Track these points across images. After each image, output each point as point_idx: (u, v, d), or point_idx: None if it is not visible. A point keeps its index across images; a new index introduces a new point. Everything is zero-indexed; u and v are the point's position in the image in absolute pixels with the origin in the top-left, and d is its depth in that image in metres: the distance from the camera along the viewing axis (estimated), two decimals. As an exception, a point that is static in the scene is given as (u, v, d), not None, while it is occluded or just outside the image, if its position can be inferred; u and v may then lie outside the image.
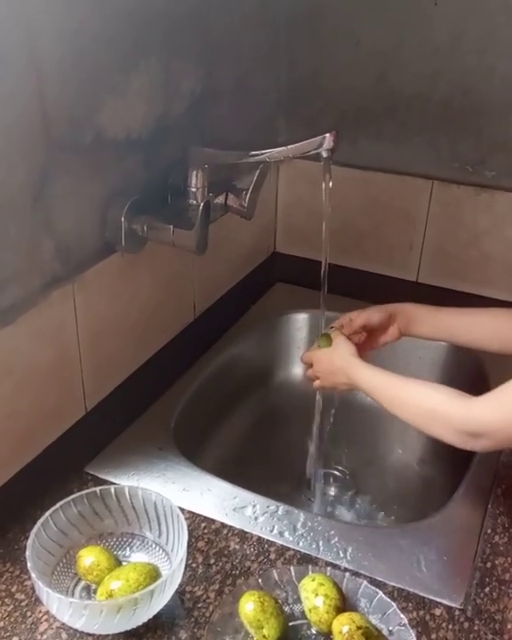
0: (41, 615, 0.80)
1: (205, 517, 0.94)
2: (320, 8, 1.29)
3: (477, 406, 0.82)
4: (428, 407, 0.87)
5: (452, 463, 1.22)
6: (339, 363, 1.03)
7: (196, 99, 1.11)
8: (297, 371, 1.44)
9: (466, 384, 1.30)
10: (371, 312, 1.10)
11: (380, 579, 0.85)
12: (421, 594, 0.84)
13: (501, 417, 0.80)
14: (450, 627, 0.80)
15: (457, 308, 1.08)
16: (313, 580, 0.81)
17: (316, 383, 1.10)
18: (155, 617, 0.79)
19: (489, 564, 0.88)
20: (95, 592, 0.81)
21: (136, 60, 0.96)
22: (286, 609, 0.82)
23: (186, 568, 0.84)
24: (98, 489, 0.88)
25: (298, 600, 0.82)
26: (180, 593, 0.83)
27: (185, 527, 0.82)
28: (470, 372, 1.28)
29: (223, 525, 0.93)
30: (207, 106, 1.15)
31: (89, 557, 0.82)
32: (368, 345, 1.12)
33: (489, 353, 1.07)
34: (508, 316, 1.02)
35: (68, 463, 1.00)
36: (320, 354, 1.08)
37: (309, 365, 1.10)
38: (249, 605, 0.77)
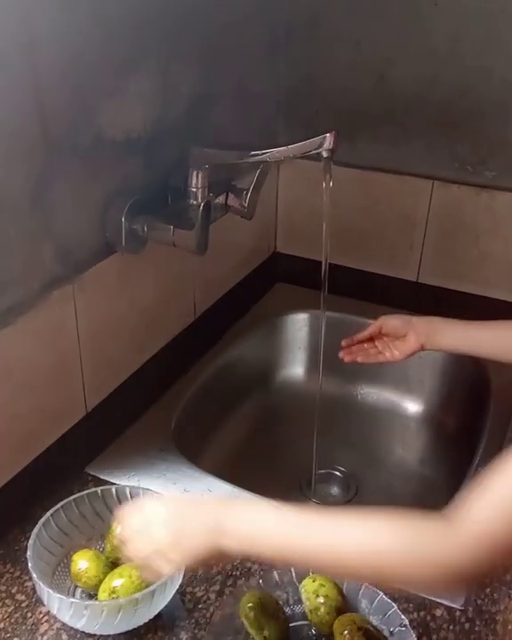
0: (42, 616, 0.80)
1: (206, 518, 0.94)
2: (319, 9, 1.29)
3: (465, 530, 0.59)
4: (404, 549, 0.61)
5: (452, 463, 1.22)
6: (199, 511, 0.69)
7: (196, 100, 1.11)
8: (297, 371, 1.44)
9: (466, 384, 1.31)
10: (387, 318, 1.09)
11: (381, 579, 0.85)
12: (422, 595, 0.84)
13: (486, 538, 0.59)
14: (451, 628, 0.80)
15: (481, 321, 1.04)
16: (314, 581, 0.81)
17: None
18: (155, 618, 0.79)
19: (490, 565, 0.88)
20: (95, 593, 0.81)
21: (135, 61, 0.96)
22: (287, 610, 0.82)
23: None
24: (99, 489, 0.88)
25: (298, 601, 0.82)
26: (180, 593, 0.83)
27: (186, 528, 0.82)
28: (471, 371, 1.28)
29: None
30: (207, 107, 1.15)
31: (81, 562, 0.82)
32: (386, 355, 1.10)
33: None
34: None
35: (69, 464, 1.00)
36: (139, 511, 0.71)
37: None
38: (250, 606, 0.77)
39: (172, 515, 0.68)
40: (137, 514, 0.70)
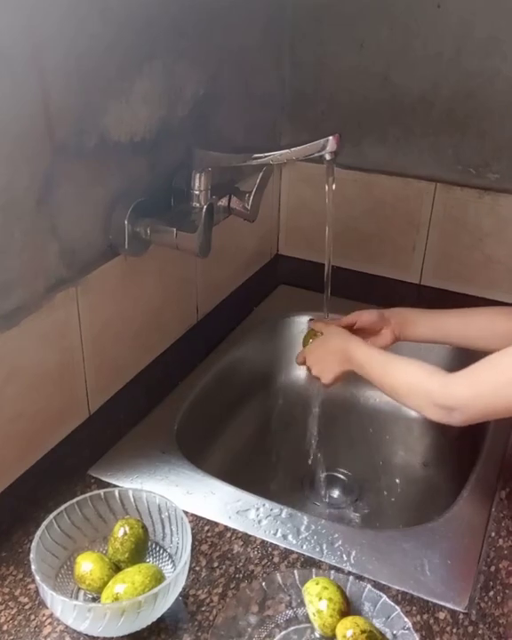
0: (45, 618, 0.80)
1: (209, 520, 0.94)
2: (324, 10, 1.30)
3: (453, 382, 0.86)
4: (411, 382, 0.92)
5: (455, 466, 1.22)
6: (335, 345, 1.04)
7: (200, 102, 1.11)
8: (300, 373, 1.44)
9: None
10: (360, 313, 1.10)
11: (384, 582, 0.85)
12: (425, 597, 0.84)
13: (472, 392, 0.84)
14: (454, 631, 0.80)
15: (451, 309, 1.08)
16: (317, 584, 0.81)
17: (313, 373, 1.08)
18: (158, 620, 0.79)
19: (493, 568, 0.87)
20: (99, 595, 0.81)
21: (140, 63, 0.96)
22: (289, 612, 0.82)
23: (189, 571, 0.84)
24: (102, 492, 0.87)
25: (301, 603, 0.82)
26: (183, 596, 0.83)
27: (188, 530, 0.82)
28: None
29: (227, 528, 0.93)
30: (211, 109, 1.15)
31: (84, 564, 0.81)
32: None
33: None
34: (501, 314, 1.03)
35: (72, 466, 1.00)
36: (314, 344, 1.09)
37: (303, 362, 1.11)
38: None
39: (321, 349, 1.07)
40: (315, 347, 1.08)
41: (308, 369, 1.11)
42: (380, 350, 1.00)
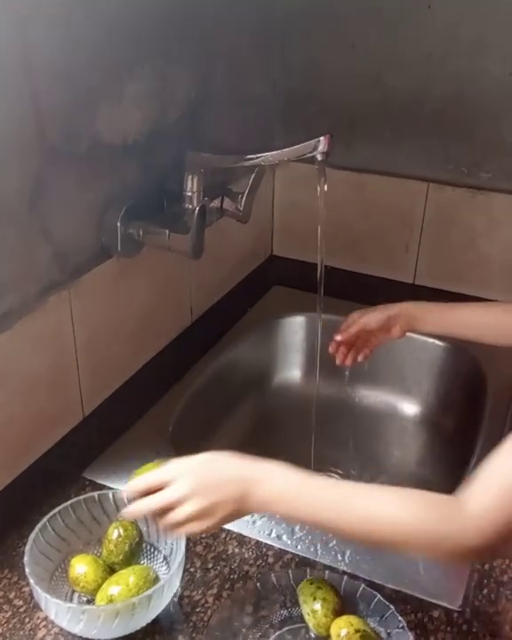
0: (39, 621, 0.80)
1: (203, 521, 0.94)
2: (315, 12, 1.30)
3: (472, 514, 0.63)
4: (405, 526, 0.66)
5: (450, 464, 1.22)
6: (227, 471, 0.72)
7: (192, 104, 1.11)
8: (294, 374, 1.44)
9: (463, 385, 1.31)
10: (368, 318, 1.10)
11: (379, 581, 0.85)
12: (420, 596, 0.84)
13: (503, 517, 0.62)
14: (448, 629, 0.80)
15: (455, 303, 1.10)
16: (311, 584, 0.81)
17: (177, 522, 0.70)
18: (153, 622, 0.79)
19: (487, 566, 0.88)
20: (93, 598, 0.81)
21: (131, 66, 0.96)
22: (284, 613, 0.82)
23: (184, 572, 0.84)
24: (96, 494, 0.88)
25: (296, 604, 0.82)
26: (178, 597, 0.83)
27: (183, 531, 0.82)
28: (468, 372, 1.28)
29: (221, 529, 0.93)
30: (202, 111, 1.15)
31: (79, 566, 0.82)
32: (371, 343, 1.13)
33: (486, 353, 1.07)
34: (502, 310, 1.04)
35: (66, 468, 1.00)
36: (189, 465, 0.73)
37: (140, 495, 0.72)
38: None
39: (199, 484, 0.70)
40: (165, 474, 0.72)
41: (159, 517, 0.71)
42: (309, 476, 0.70)
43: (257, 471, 0.71)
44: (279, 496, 0.69)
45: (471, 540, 0.63)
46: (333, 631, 0.77)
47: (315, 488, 0.68)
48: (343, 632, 0.76)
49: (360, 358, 1.13)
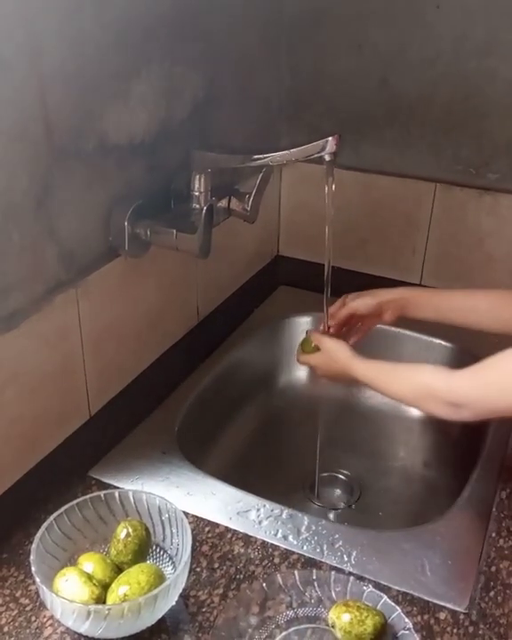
0: (45, 620, 0.81)
1: (209, 521, 0.94)
2: (322, 12, 1.29)
3: (457, 379, 0.88)
4: (416, 383, 0.93)
5: (456, 466, 1.22)
6: (337, 365, 1.05)
7: (199, 104, 1.12)
8: (300, 374, 1.44)
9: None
10: (358, 303, 1.11)
11: (385, 583, 0.85)
12: (426, 598, 0.84)
13: (478, 388, 0.86)
14: (454, 631, 0.80)
15: (453, 289, 1.11)
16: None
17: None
18: (159, 621, 0.79)
19: (493, 568, 0.87)
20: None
21: (138, 66, 0.96)
22: (290, 613, 0.82)
23: (190, 572, 0.84)
24: (102, 493, 0.88)
25: (302, 604, 0.82)
26: (184, 597, 0.83)
27: (189, 531, 0.82)
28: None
29: (227, 529, 0.93)
30: (209, 111, 1.15)
31: (86, 565, 0.82)
32: (361, 329, 1.15)
33: (492, 353, 1.06)
34: (503, 296, 1.05)
35: (72, 467, 1.00)
36: (316, 360, 1.10)
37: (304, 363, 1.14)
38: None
39: (325, 367, 1.09)
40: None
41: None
42: (381, 362, 1.00)
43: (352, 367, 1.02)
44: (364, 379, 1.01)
45: (446, 394, 0.87)
46: (334, 619, 0.77)
47: (372, 371, 1.00)
48: (346, 617, 0.76)
49: (350, 343, 1.12)
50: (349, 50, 1.30)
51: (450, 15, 1.21)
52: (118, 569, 0.83)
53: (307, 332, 1.14)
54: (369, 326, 1.15)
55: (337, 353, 1.05)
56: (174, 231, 0.99)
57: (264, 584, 0.83)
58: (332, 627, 0.78)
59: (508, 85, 1.22)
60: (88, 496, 0.87)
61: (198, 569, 0.87)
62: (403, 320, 1.12)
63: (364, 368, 1.01)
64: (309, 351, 1.11)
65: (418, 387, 0.92)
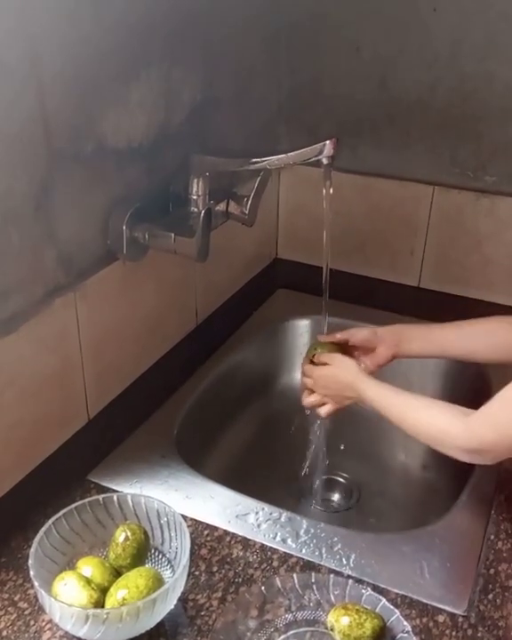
0: (44, 624, 0.80)
1: (208, 525, 0.94)
2: (320, 15, 1.30)
3: (474, 425, 0.85)
4: (434, 429, 0.89)
5: (454, 469, 1.21)
6: (345, 379, 1.03)
7: (197, 107, 1.12)
8: (299, 377, 1.43)
9: (468, 392, 1.30)
10: (355, 330, 1.10)
11: (384, 585, 0.85)
12: (425, 601, 0.84)
13: (496, 434, 0.83)
14: (453, 634, 0.80)
15: (447, 322, 1.07)
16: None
17: (314, 402, 1.09)
18: (158, 625, 0.79)
19: (492, 571, 0.88)
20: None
21: (136, 69, 0.97)
22: (289, 616, 0.82)
23: (189, 576, 0.84)
24: (101, 497, 0.88)
25: (301, 607, 0.82)
26: (182, 601, 0.83)
27: (187, 535, 0.82)
28: (472, 380, 1.27)
29: (226, 533, 0.93)
30: (208, 114, 1.15)
31: (85, 569, 0.82)
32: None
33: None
34: (501, 325, 1.01)
35: (71, 471, 1.00)
36: (322, 371, 1.07)
37: (306, 376, 1.10)
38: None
39: (329, 379, 1.07)
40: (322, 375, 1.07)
41: (311, 399, 1.10)
42: (394, 389, 0.97)
43: (358, 383, 1.01)
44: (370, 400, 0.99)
45: (465, 443, 0.85)
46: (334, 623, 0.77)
47: (383, 398, 0.97)
48: (345, 620, 0.76)
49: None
50: (348, 52, 1.30)
51: (447, 18, 1.21)
52: (117, 573, 0.83)
53: (317, 337, 1.13)
54: (365, 363, 1.11)
55: (345, 369, 1.03)
56: (172, 235, 0.99)
57: (263, 587, 0.83)
58: (331, 630, 0.78)
59: (506, 88, 1.22)
60: (87, 500, 0.87)
61: (197, 572, 0.87)
62: (398, 359, 1.10)
63: (376, 392, 0.98)
64: (322, 351, 1.08)
65: (434, 432, 0.89)
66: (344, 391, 1.03)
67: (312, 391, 1.10)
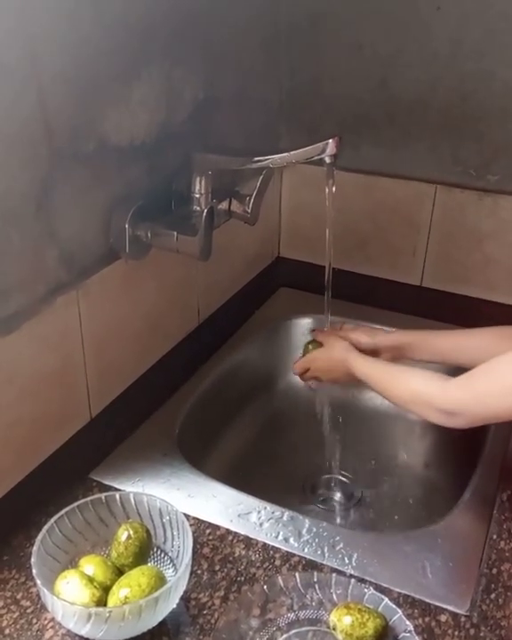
0: (46, 622, 0.81)
1: (210, 524, 0.94)
2: (321, 14, 1.30)
3: (452, 387, 0.89)
4: (413, 389, 0.94)
5: (457, 468, 1.21)
6: (337, 356, 1.09)
7: (199, 106, 1.12)
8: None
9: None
10: (359, 334, 1.12)
11: (386, 585, 0.85)
12: (427, 600, 0.84)
13: (472, 397, 0.87)
14: (456, 633, 0.80)
15: (447, 331, 1.10)
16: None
17: (314, 383, 1.16)
18: (160, 624, 0.79)
19: (495, 570, 0.87)
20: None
21: (138, 68, 0.97)
22: (291, 616, 0.82)
23: (191, 575, 0.84)
24: (103, 495, 0.88)
25: (303, 606, 0.82)
26: (185, 600, 0.83)
27: (190, 534, 0.82)
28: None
29: (228, 532, 0.93)
30: (209, 113, 1.15)
31: (87, 567, 0.82)
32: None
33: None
34: (495, 335, 1.01)
35: (73, 470, 1.00)
36: (316, 354, 1.14)
37: (304, 371, 1.16)
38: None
39: (324, 359, 1.13)
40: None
41: (306, 375, 1.16)
42: (381, 362, 1.04)
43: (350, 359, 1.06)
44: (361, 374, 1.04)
45: (441, 403, 0.88)
46: (336, 622, 0.77)
47: (373, 371, 1.03)
48: (347, 620, 0.76)
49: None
50: (349, 51, 1.30)
51: (448, 17, 1.21)
52: (119, 571, 0.83)
53: (311, 333, 1.18)
54: None
55: (338, 346, 1.08)
56: (175, 233, 0.99)
57: (265, 586, 0.83)
58: (334, 629, 0.78)
59: (506, 87, 1.22)
60: (89, 498, 0.87)
61: (199, 571, 0.87)
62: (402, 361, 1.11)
63: (363, 364, 1.03)
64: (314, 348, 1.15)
65: (413, 393, 0.94)
66: (339, 369, 1.08)
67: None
